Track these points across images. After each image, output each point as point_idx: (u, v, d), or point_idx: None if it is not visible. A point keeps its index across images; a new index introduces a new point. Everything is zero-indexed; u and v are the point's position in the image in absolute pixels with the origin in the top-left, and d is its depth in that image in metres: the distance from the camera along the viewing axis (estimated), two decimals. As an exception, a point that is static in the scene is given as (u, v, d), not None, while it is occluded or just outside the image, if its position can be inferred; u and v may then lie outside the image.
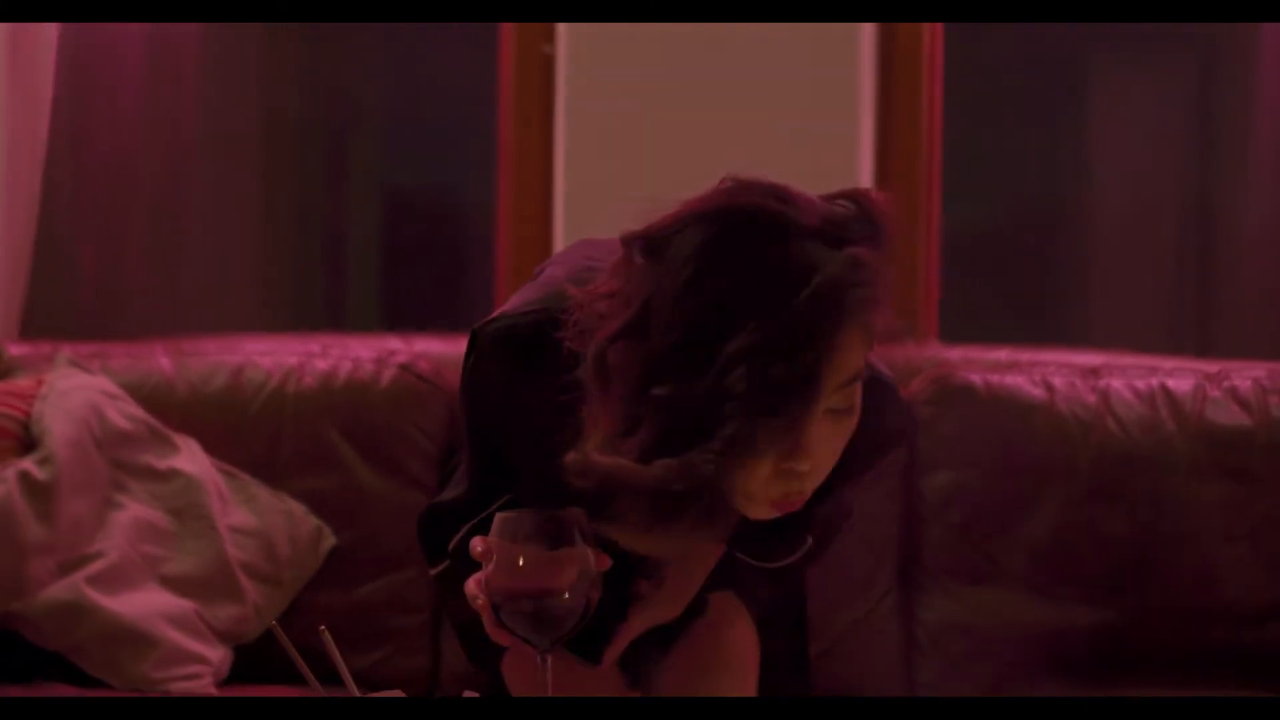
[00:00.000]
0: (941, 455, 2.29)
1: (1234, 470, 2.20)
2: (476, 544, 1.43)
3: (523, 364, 1.52)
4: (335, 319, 3.23)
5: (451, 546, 1.62)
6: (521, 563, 1.37)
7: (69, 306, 2.79)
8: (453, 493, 1.68)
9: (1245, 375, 2.28)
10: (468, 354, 1.62)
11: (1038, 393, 2.28)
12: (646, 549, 1.49)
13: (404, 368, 2.39)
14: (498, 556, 1.39)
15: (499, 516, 1.40)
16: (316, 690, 1.35)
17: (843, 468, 1.43)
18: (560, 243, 2.70)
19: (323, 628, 1.38)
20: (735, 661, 1.69)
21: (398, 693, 1.39)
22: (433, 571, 1.70)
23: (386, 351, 2.42)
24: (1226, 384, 2.26)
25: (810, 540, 1.63)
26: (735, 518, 1.39)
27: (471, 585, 1.46)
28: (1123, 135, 2.99)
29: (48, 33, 2.65)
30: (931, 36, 2.74)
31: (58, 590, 2.13)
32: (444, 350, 2.48)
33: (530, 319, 1.52)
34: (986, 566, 2.25)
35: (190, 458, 2.30)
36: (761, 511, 1.38)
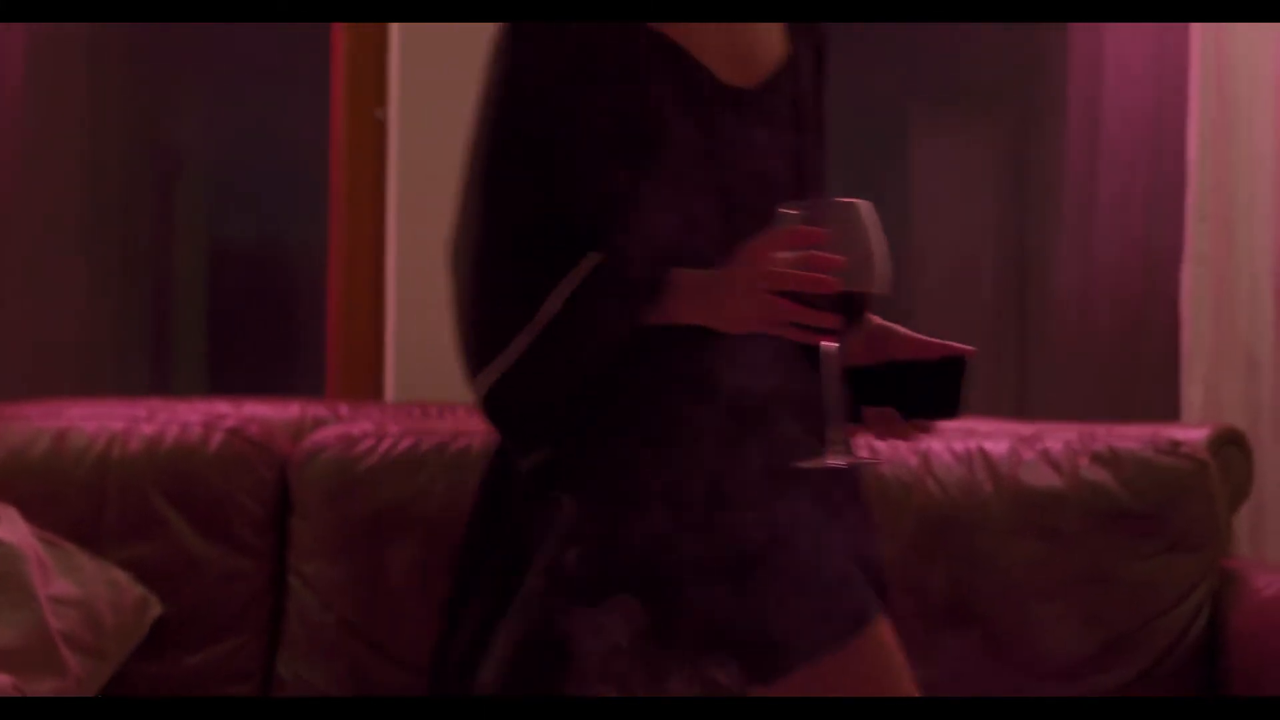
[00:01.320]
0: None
1: (1045, 529, 2.28)
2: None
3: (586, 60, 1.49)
4: (161, 378, 3.18)
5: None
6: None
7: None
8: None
9: (1057, 437, 2.36)
10: (506, 50, 1.56)
11: (861, 454, 2.34)
12: None
13: (233, 432, 2.37)
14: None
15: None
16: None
17: None
18: (393, 295, 2.70)
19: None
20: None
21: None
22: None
23: (215, 416, 2.40)
24: (1040, 446, 2.35)
25: None
26: None
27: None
28: (940, 193, 3.09)
29: None
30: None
31: None
32: (273, 414, 2.47)
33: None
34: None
35: (9, 526, 2.24)
36: None
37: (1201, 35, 2.62)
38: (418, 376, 2.68)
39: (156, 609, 2.28)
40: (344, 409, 2.51)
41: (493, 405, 1.60)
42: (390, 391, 2.72)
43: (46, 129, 2.91)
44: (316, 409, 2.50)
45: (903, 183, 3.11)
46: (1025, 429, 2.40)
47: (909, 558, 2.28)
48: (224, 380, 3.15)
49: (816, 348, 1.44)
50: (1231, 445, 2.37)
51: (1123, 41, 2.76)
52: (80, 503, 2.31)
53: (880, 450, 2.34)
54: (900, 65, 3.05)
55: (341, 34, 2.80)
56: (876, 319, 1.60)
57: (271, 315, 3.15)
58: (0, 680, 2.13)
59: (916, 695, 1.65)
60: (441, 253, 2.68)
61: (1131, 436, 2.34)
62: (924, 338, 1.59)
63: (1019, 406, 3.01)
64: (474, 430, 2.37)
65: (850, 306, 1.43)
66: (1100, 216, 2.76)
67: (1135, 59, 2.75)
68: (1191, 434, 2.34)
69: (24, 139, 2.86)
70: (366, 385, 2.78)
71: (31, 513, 2.28)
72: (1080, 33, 2.80)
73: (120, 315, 3.14)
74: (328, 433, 2.38)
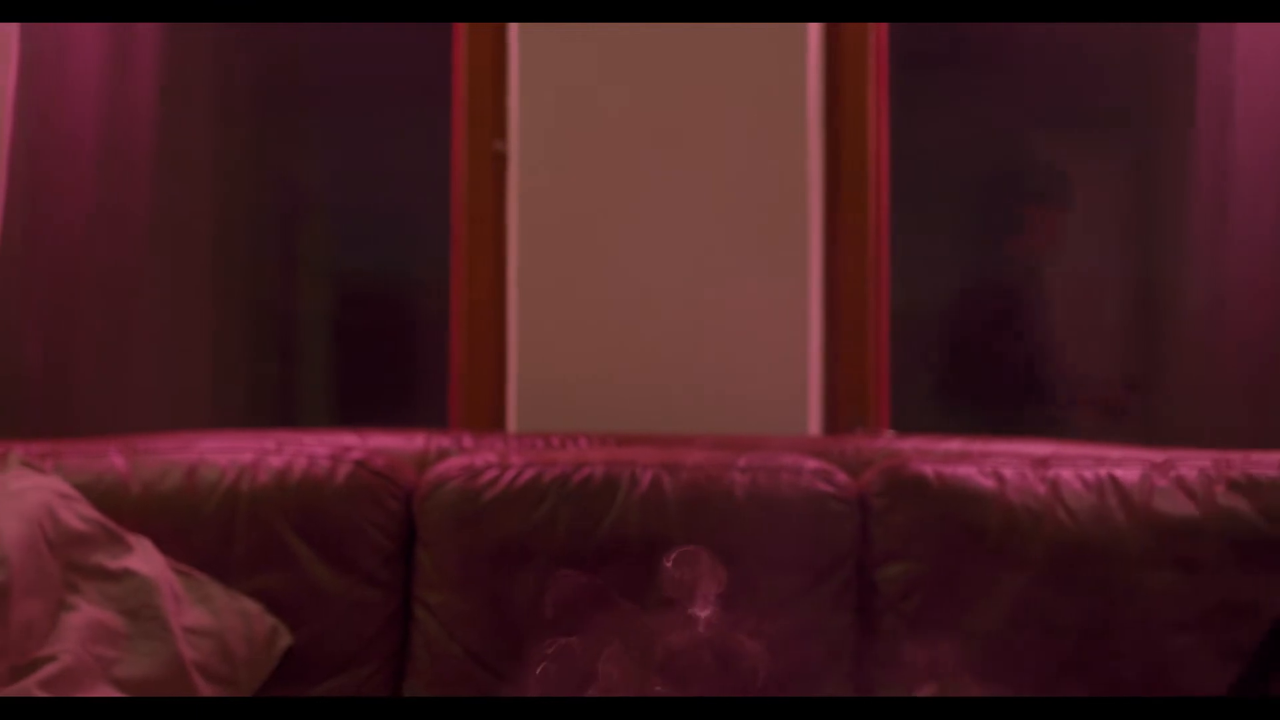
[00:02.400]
0: (894, 546, 2.31)
1: (1181, 559, 2.23)
2: None
3: None
4: (288, 410, 3.22)
5: None
6: None
7: (20, 405, 2.78)
8: None
9: (1191, 464, 2.31)
10: None
11: (989, 483, 2.31)
12: None
13: (359, 464, 2.39)
14: None
15: None
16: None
17: None
18: (515, 327, 2.72)
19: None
20: None
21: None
22: None
23: (342, 448, 2.42)
24: (1173, 473, 2.29)
25: None
26: None
27: None
28: (1066, 216, 3.04)
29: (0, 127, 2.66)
30: (877, 119, 2.79)
31: (9, 695, 2.10)
32: (398, 446, 2.49)
33: None
34: (939, 658, 2.26)
35: (144, 557, 2.29)
36: None
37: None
38: (539, 408, 2.70)
39: (286, 639, 2.31)
40: (468, 440, 2.52)
41: None
42: (512, 423, 2.73)
43: (176, 170, 2.98)
44: (441, 440, 2.52)
45: (1024, 207, 3.07)
46: (1157, 455, 2.35)
47: (1039, 588, 2.24)
48: (350, 413, 3.19)
49: None
50: (1374, 471, 2.30)
51: (1253, 50, 2.66)
52: (210, 534, 2.35)
53: (1008, 479, 2.31)
54: (1020, 88, 3.02)
55: (461, 68, 2.83)
56: None
57: (396, 348, 3.18)
58: (135, 709, 2.17)
59: None
60: (561, 284, 2.72)
61: (1269, 463, 2.28)
62: None
63: (1148, 432, 2.94)
64: (595, 460, 2.38)
65: None
66: (1232, 234, 2.69)
67: (1266, 68, 2.66)
68: (1332, 460, 2.27)
69: (154, 181, 2.92)
70: (489, 417, 2.80)
71: (164, 544, 2.32)
72: (1209, 41, 2.70)
73: (249, 350, 3.19)
74: (452, 464, 2.40)
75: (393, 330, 3.21)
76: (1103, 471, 2.31)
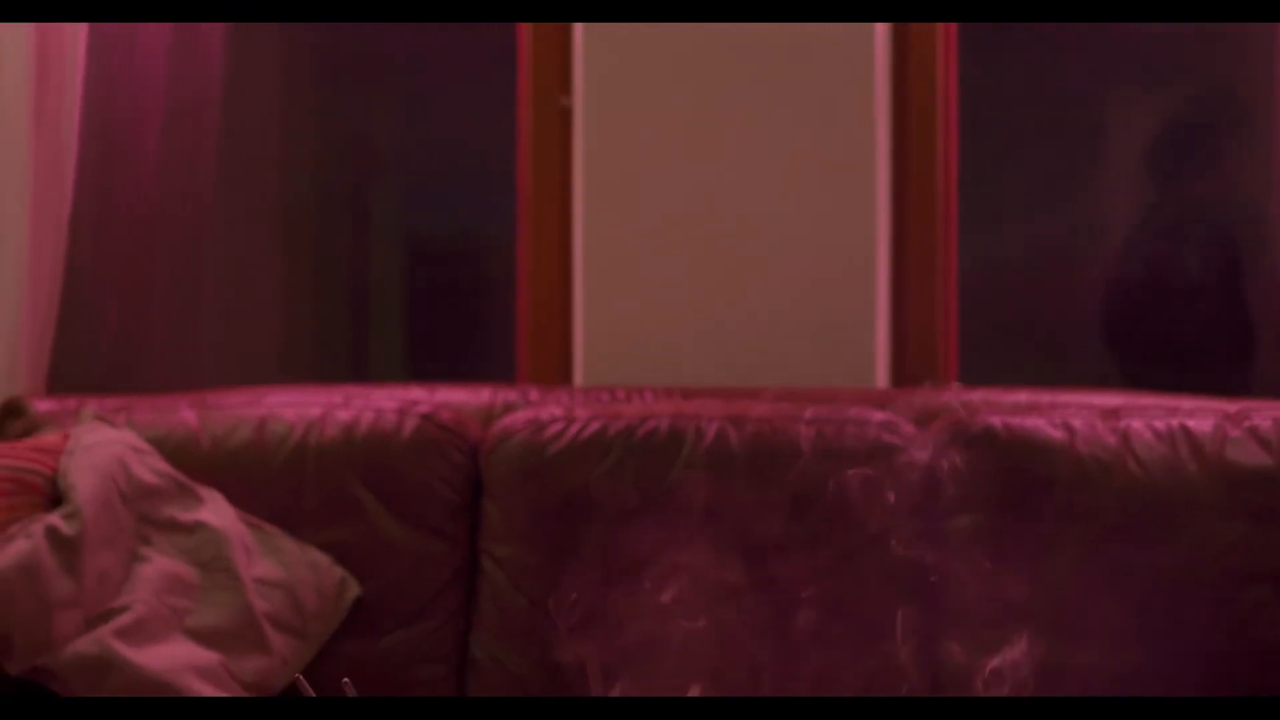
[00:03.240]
0: (963, 497, 2.29)
1: (1255, 510, 2.19)
2: None
3: None
4: (358, 368, 3.25)
5: None
6: None
7: (94, 361, 2.82)
8: None
9: (1266, 414, 2.27)
10: None
11: (1058, 434, 2.29)
12: None
13: (426, 418, 2.41)
14: None
15: None
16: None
17: None
18: (581, 283, 2.72)
19: (346, 680, 1.40)
20: None
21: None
22: None
23: (409, 402, 2.44)
24: (1247, 423, 2.26)
25: None
26: None
27: None
28: (1140, 173, 2.99)
29: (71, 93, 2.69)
30: (945, 67, 2.76)
31: (84, 644, 2.14)
32: (465, 400, 2.50)
33: None
34: (1009, 610, 2.25)
35: (215, 510, 2.32)
36: None
37: None
38: (606, 362, 2.70)
39: (355, 591, 2.33)
40: (534, 394, 2.53)
41: None
42: (579, 377, 2.74)
43: (245, 132, 3.00)
44: (507, 394, 2.53)
45: (1101, 166, 3.03)
46: (1230, 406, 2.31)
47: (1108, 539, 2.21)
48: (420, 370, 3.21)
49: None
50: None
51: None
52: (279, 487, 2.37)
53: (1077, 430, 2.28)
54: (1091, 48, 2.97)
55: (526, 24, 2.83)
56: None
57: (465, 305, 3.20)
58: (209, 658, 2.20)
59: None
60: (628, 235, 2.71)
61: (1346, 413, 2.24)
62: None
63: (1224, 386, 2.90)
64: (660, 413, 2.37)
65: None
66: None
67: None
68: None
69: (224, 143, 2.95)
70: (556, 371, 2.81)
71: (234, 497, 2.35)
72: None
73: (319, 310, 3.22)
74: (517, 417, 2.41)
75: (461, 287, 3.22)
76: (1175, 422, 2.28)
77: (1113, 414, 2.32)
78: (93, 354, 2.82)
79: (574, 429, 2.36)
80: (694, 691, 1.91)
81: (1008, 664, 2.24)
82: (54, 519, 2.18)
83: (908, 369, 2.74)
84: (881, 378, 2.70)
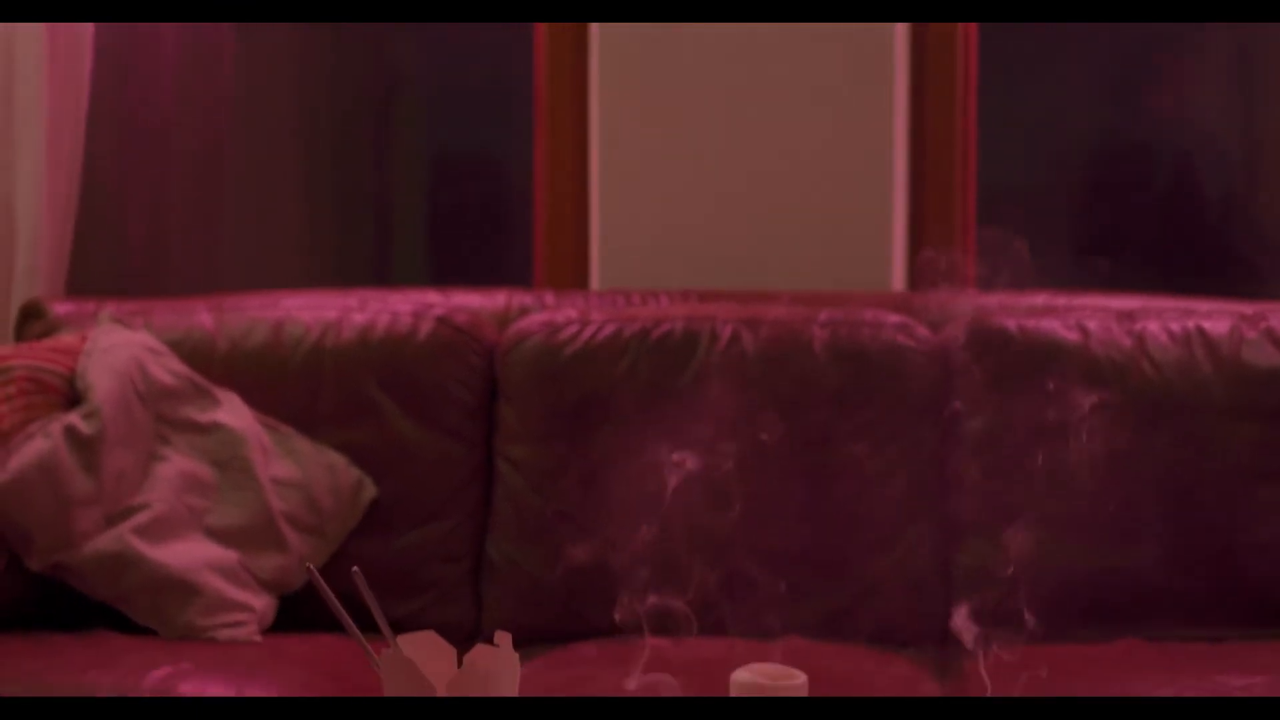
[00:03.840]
0: (975, 400, 2.29)
1: (1269, 411, 2.19)
2: None
3: None
4: (381, 276, 3.25)
5: None
6: None
7: (114, 266, 2.83)
8: None
9: (1282, 316, 2.26)
10: None
11: (1072, 336, 2.28)
12: None
13: (442, 320, 2.42)
14: None
15: None
16: (355, 635, 1.38)
17: None
18: (597, 186, 2.72)
19: (356, 569, 1.40)
20: None
21: (431, 633, 1.41)
22: None
23: (424, 305, 2.44)
24: (1263, 325, 2.25)
25: None
26: None
27: None
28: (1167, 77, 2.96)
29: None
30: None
31: (104, 541, 2.17)
32: (480, 304, 2.51)
33: None
34: (1022, 510, 2.25)
35: (232, 411, 2.33)
36: None
37: None
38: (623, 266, 2.70)
39: (371, 491, 2.35)
40: (549, 298, 2.54)
41: None
42: (595, 281, 2.74)
43: (264, 42, 2.99)
44: (523, 298, 2.53)
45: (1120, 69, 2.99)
46: (1247, 308, 2.30)
47: (1121, 440, 2.21)
48: (441, 277, 3.21)
49: None
50: None
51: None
52: (296, 390, 2.38)
53: (1092, 332, 2.27)
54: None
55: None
56: None
57: (485, 213, 3.19)
58: (228, 556, 2.23)
59: None
60: (643, 140, 2.70)
61: (1364, 315, 2.23)
62: None
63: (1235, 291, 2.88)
64: (675, 316, 2.38)
65: None
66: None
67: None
68: None
69: (242, 49, 2.94)
70: (573, 276, 2.81)
71: (250, 399, 2.37)
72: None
73: (340, 218, 3.22)
74: (533, 320, 2.41)
75: (482, 197, 3.21)
76: (1190, 324, 2.27)
77: (1128, 316, 2.31)
78: (112, 259, 2.83)
79: (589, 331, 2.36)
80: (706, 586, 1.92)
81: (1019, 564, 2.26)
82: (72, 418, 2.20)
83: (925, 273, 2.73)
84: (898, 281, 2.69)
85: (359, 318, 2.42)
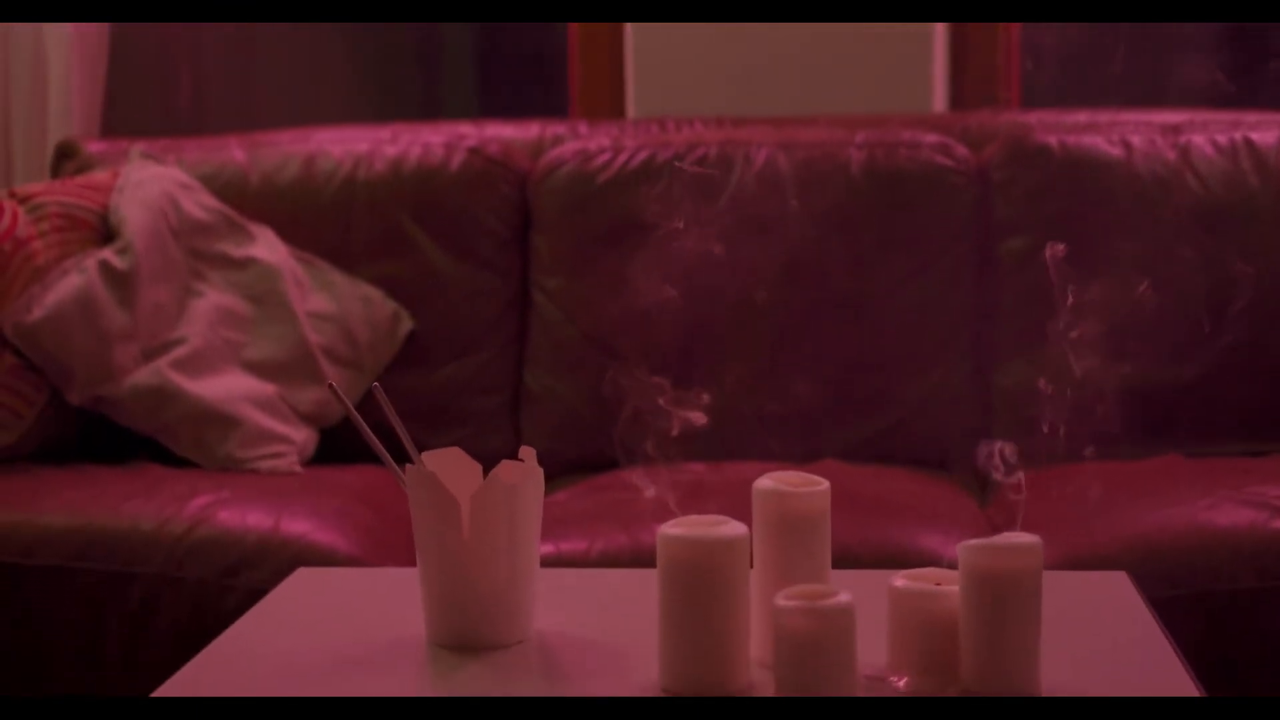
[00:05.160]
0: (1015, 219, 2.25)
1: (1318, 221, 2.14)
2: None
3: None
4: (427, 112, 3.22)
5: None
6: None
7: (152, 109, 2.82)
8: None
9: (1334, 126, 2.20)
10: None
11: (1115, 152, 2.23)
12: None
13: (474, 151, 2.39)
14: None
15: None
16: (375, 445, 1.38)
17: None
18: (631, 29, 2.66)
19: (376, 384, 1.40)
20: None
21: (456, 450, 1.40)
22: None
23: (456, 136, 2.42)
24: (1313, 134, 2.19)
25: None
26: None
27: None
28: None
29: None
30: None
31: (143, 375, 2.19)
32: (513, 134, 2.48)
33: None
34: (1062, 329, 2.22)
35: (266, 246, 2.33)
36: None
37: None
38: (658, 94, 2.66)
39: (408, 324, 2.35)
40: (583, 127, 2.50)
41: None
42: (631, 110, 2.70)
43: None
44: (556, 128, 2.50)
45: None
46: (1298, 118, 2.24)
47: (1165, 256, 2.17)
48: (484, 111, 3.18)
49: None
50: None
51: None
52: (329, 223, 2.38)
53: (1135, 146, 2.22)
54: None
55: None
56: None
57: (527, 50, 3.14)
58: (266, 389, 2.24)
59: None
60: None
61: None
62: None
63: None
64: (710, 141, 2.34)
65: None
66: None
67: None
68: None
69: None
70: (608, 105, 2.77)
71: (284, 233, 2.36)
72: None
73: (385, 55, 3.18)
74: (566, 149, 2.38)
75: (523, 31, 3.16)
76: (1238, 135, 2.21)
77: (1174, 130, 2.25)
78: (147, 97, 2.82)
79: (622, 158, 2.33)
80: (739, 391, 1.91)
81: (1060, 381, 2.23)
82: (106, 253, 2.21)
83: (967, 93, 2.67)
84: (939, 102, 2.63)
85: (391, 150, 2.40)
